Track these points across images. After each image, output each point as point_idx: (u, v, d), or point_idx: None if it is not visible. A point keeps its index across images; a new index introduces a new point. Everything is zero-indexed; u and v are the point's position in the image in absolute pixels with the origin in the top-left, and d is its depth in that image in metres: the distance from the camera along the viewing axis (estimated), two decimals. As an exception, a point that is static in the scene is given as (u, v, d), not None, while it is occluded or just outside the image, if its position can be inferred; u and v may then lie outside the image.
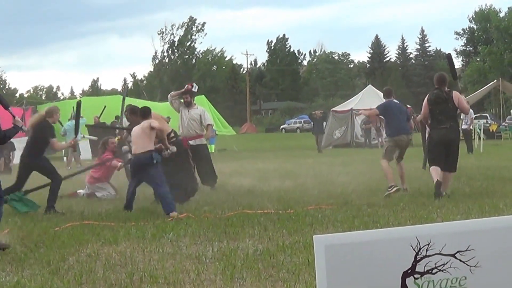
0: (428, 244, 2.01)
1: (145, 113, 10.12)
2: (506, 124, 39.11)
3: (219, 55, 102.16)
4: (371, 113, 13.52)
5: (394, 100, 11.70)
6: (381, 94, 37.69)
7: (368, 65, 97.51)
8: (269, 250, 6.29)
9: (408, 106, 30.99)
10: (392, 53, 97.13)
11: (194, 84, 13.14)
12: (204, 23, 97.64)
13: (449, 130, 10.08)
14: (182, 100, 12.70)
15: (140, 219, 8.81)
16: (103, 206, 10.42)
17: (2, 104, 7.78)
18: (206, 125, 12.62)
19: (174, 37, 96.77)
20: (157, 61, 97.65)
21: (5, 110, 7.98)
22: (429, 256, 2.01)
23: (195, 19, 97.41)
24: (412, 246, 2.01)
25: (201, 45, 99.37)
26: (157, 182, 9.58)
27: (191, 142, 12.27)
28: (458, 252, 2.02)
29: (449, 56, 12.94)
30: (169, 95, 12.97)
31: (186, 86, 12.92)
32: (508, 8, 74.87)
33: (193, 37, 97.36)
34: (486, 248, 2.04)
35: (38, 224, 8.55)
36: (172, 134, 10.90)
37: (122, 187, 11.80)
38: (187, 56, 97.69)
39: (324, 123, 33.02)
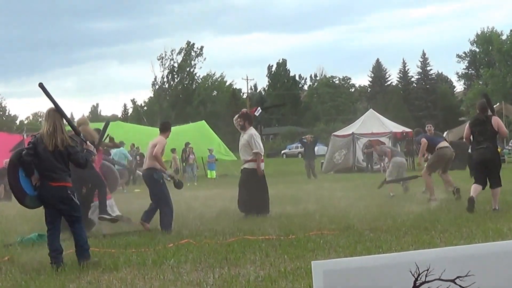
0: (428, 270, 1.99)
1: (162, 127, 11.24)
2: (509, 148, 38.96)
3: (219, 80, 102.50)
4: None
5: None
6: (383, 118, 37.36)
7: (369, 89, 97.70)
8: (271, 276, 6.25)
9: (409, 130, 30.88)
10: (393, 77, 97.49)
11: (259, 108, 13.08)
12: (202, 47, 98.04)
13: (486, 150, 11.22)
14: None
15: (140, 245, 8.78)
16: (103, 232, 10.37)
17: (75, 131, 7.78)
18: (253, 153, 12.09)
19: (174, 62, 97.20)
20: (157, 86, 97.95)
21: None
22: (428, 281, 2.00)
23: (193, 44, 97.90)
24: (411, 272, 1.99)
25: (201, 70, 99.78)
26: (156, 199, 10.63)
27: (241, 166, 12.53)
28: (458, 277, 2.00)
29: (486, 96, 13.23)
30: (233, 119, 12.83)
31: (243, 109, 12.84)
32: (511, 31, 75.24)
33: (192, 62, 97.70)
34: (486, 273, 2.02)
35: (38, 251, 8.51)
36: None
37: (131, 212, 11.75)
38: (187, 82, 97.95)
39: (325, 148, 32.71)
